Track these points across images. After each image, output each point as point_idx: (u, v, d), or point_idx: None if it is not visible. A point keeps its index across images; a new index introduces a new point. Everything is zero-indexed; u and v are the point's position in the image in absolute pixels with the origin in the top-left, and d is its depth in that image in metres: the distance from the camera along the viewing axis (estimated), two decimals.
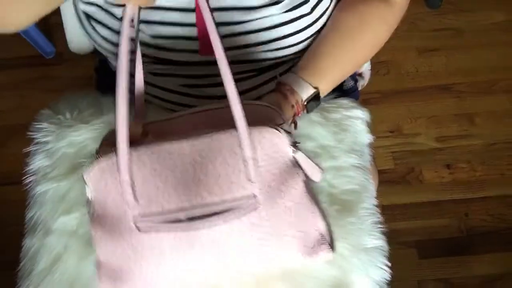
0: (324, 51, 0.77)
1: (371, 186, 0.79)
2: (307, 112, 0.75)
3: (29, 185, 0.81)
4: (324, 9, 0.78)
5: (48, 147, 0.81)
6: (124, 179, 0.62)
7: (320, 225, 0.66)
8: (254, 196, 0.63)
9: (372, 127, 0.84)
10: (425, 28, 1.69)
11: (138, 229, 0.63)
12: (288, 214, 0.65)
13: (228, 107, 0.63)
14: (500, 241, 1.40)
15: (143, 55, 0.76)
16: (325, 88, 0.76)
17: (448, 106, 1.60)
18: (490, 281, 1.35)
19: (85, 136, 0.81)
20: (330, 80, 0.77)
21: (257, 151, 0.62)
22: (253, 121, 0.63)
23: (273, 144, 0.63)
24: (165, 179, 0.63)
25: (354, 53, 0.78)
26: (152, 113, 0.82)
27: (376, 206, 0.77)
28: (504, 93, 1.61)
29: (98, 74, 1.02)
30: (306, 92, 0.74)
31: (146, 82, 0.84)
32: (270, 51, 0.77)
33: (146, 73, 0.81)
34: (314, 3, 0.76)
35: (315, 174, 0.66)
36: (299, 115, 0.74)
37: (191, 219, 0.63)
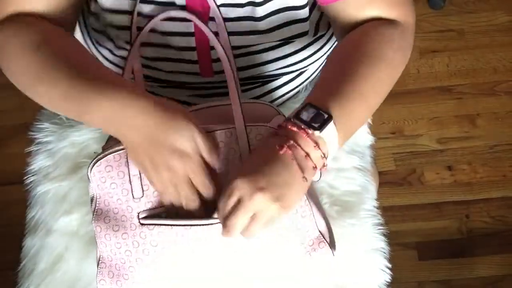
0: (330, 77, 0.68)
1: (372, 188, 0.80)
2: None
3: (30, 185, 0.81)
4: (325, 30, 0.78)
5: (49, 147, 0.81)
6: (133, 173, 0.64)
7: (319, 224, 0.67)
8: None
9: (373, 128, 0.84)
10: (427, 29, 1.68)
11: (143, 225, 0.64)
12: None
13: (228, 105, 0.64)
14: (500, 243, 1.39)
15: (146, 77, 0.77)
16: (340, 115, 0.63)
17: (449, 108, 1.59)
18: (490, 283, 1.35)
19: (86, 136, 0.81)
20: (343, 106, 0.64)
21: (255, 147, 0.64)
22: (252, 118, 0.65)
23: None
24: None
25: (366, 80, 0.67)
26: None
27: (377, 207, 0.78)
28: (506, 94, 1.60)
29: None
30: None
31: (152, 93, 0.84)
32: (274, 70, 0.78)
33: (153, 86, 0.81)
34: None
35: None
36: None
37: (194, 217, 0.64)
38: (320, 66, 0.85)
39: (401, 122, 1.58)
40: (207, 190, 0.62)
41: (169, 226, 0.64)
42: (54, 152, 0.81)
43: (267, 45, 0.75)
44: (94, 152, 0.78)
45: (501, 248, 1.39)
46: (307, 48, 0.78)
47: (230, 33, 0.71)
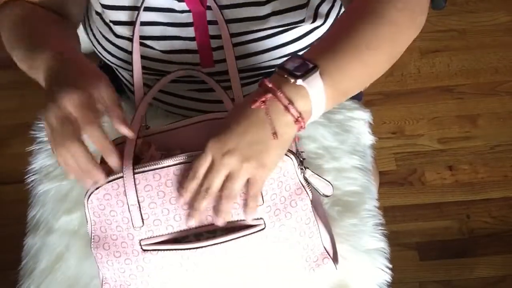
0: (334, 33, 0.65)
1: (373, 188, 0.79)
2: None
3: (31, 184, 0.81)
4: (321, 23, 0.78)
5: (50, 147, 0.81)
6: (132, 203, 0.63)
7: (324, 240, 0.67)
8: (261, 218, 0.63)
9: (374, 128, 0.84)
10: (428, 29, 1.68)
11: (146, 251, 0.63)
12: (294, 234, 0.65)
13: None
14: (502, 243, 1.39)
15: (150, 69, 0.77)
16: (329, 67, 0.60)
17: (450, 108, 1.59)
18: (491, 284, 1.35)
19: (86, 136, 0.80)
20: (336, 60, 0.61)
21: None
22: None
23: (280, 168, 0.63)
24: (175, 202, 0.63)
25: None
26: (158, 117, 0.83)
27: (378, 207, 0.77)
28: (507, 94, 1.60)
29: None
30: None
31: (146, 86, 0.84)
32: (271, 60, 0.77)
33: (154, 80, 0.81)
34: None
35: (326, 189, 0.66)
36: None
37: (198, 238, 0.63)
38: None
39: (402, 122, 1.58)
40: (99, 140, 0.59)
41: (174, 251, 0.63)
42: None
43: (264, 33, 0.75)
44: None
45: (502, 248, 1.38)
46: (306, 37, 0.78)
47: (228, 21, 0.71)
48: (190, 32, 0.74)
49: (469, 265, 1.37)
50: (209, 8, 0.72)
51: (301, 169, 0.64)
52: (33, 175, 0.81)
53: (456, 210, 1.44)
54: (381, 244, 0.74)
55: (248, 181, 0.59)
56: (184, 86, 0.80)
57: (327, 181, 0.66)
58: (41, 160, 0.81)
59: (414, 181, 1.49)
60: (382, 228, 0.75)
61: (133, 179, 0.63)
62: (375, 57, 0.63)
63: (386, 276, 0.73)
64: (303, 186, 0.64)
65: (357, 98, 0.92)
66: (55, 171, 0.80)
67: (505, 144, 1.53)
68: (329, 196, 0.66)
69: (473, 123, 1.57)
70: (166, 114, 0.84)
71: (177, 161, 0.62)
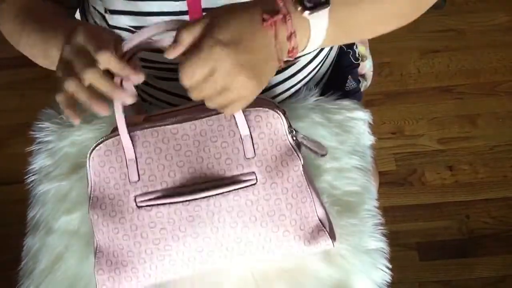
0: None
1: (373, 188, 0.79)
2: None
3: (31, 185, 0.81)
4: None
5: (50, 147, 0.81)
6: (129, 158, 0.66)
7: (318, 211, 0.68)
8: (252, 173, 0.66)
9: (374, 128, 0.84)
10: (427, 29, 1.68)
11: (140, 207, 0.66)
12: (286, 195, 0.67)
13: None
14: (501, 244, 1.39)
15: (146, 60, 0.77)
16: (339, 5, 0.59)
17: (450, 108, 1.59)
18: (491, 284, 1.35)
19: (87, 135, 0.81)
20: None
21: (254, 130, 0.66)
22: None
23: (270, 124, 0.66)
24: (170, 158, 0.66)
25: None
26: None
27: (378, 207, 0.77)
28: (506, 94, 1.60)
29: None
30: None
31: (150, 85, 0.84)
32: None
33: (150, 76, 0.81)
34: None
35: (321, 149, 0.68)
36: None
37: (191, 193, 0.65)
38: (320, 63, 0.85)
39: (401, 122, 1.58)
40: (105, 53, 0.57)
41: (167, 205, 0.65)
42: (54, 152, 0.81)
43: None
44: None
45: (502, 248, 1.39)
46: None
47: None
48: (183, 5, 0.72)
49: (469, 265, 1.37)
50: None
51: (291, 132, 0.67)
52: (33, 175, 0.81)
53: (456, 210, 1.44)
54: (381, 244, 0.74)
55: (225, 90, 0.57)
56: (178, 84, 0.80)
57: (319, 143, 0.68)
58: (41, 160, 0.81)
59: (414, 181, 1.49)
60: (382, 228, 0.75)
61: (128, 136, 0.66)
62: (388, 10, 0.63)
63: (386, 276, 0.73)
64: (293, 149, 0.67)
65: (357, 98, 0.92)
66: (54, 171, 0.80)
67: (504, 144, 1.53)
68: (325, 154, 0.68)
69: (472, 123, 1.57)
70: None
71: (174, 121, 0.67)
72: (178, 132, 0.67)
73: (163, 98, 0.84)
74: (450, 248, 1.39)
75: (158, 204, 0.65)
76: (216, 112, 0.66)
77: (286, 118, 0.68)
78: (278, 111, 0.67)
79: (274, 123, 0.67)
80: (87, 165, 0.67)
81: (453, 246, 1.40)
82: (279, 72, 0.81)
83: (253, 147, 0.66)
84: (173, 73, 0.79)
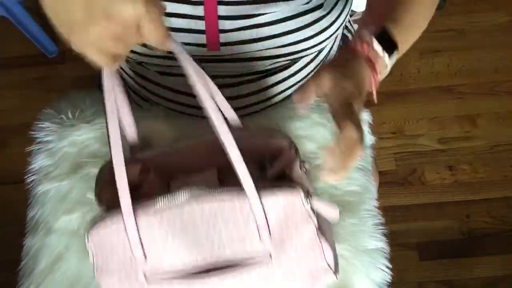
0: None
1: (373, 188, 0.79)
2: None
3: (31, 185, 0.81)
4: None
5: (50, 147, 0.81)
6: (134, 243, 0.62)
7: (328, 256, 0.65)
8: (266, 253, 0.63)
9: (374, 128, 0.84)
10: (427, 29, 1.68)
11: (149, 283, 0.63)
12: (298, 259, 0.64)
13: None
14: (501, 243, 1.39)
15: (148, 56, 0.76)
16: (401, 43, 0.72)
17: (450, 108, 1.59)
18: (491, 284, 1.35)
19: (87, 135, 0.81)
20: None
21: (269, 213, 0.61)
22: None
23: (287, 202, 0.62)
24: (178, 241, 0.62)
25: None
26: (161, 115, 0.82)
27: (377, 207, 0.77)
28: (506, 94, 1.60)
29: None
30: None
31: (153, 83, 0.84)
32: (269, 49, 0.77)
33: (155, 72, 0.80)
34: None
35: (333, 214, 0.64)
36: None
37: (204, 272, 0.63)
38: (320, 63, 0.85)
39: (401, 122, 1.58)
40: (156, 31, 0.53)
41: (179, 283, 0.62)
42: (54, 152, 0.81)
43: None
44: (94, 195, 0.73)
45: (502, 248, 1.39)
46: (309, 27, 0.76)
47: (220, 2, 0.71)
48: (200, 10, 0.72)
49: (469, 265, 1.37)
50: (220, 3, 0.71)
51: (307, 197, 0.63)
52: (32, 175, 0.81)
53: (456, 210, 1.44)
54: (381, 244, 0.74)
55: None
56: (184, 79, 0.80)
57: (331, 205, 0.64)
58: (41, 160, 0.81)
59: (414, 181, 1.49)
60: (382, 228, 0.75)
61: (134, 219, 0.61)
62: (427, 19, 0.80)
63: (386, 276, 0.73)
64: (309, 214, 0.63)
65: None
66: (54, 171, 0.80)
67: (504, 144, 1.53)
68: (337, 219, 0.65)
69: (472, 123, 1.57)
70: (166, 113, 0.84)
71: (180, 201, 0.61)
72: (184, 215, 0.61)
73: (167, 96, 0.84)
74: (450, 248, 1.39)
75: (168, 281, 0.62)
76: (228, 190, 0.62)
77: (298, 154, 0.66)
78: (296, 186, 0.62)
79: (291, 199, 0.62)
80: (87, 239, 0.63)
81: (453, 246, 1.40)
82: (280, 71, 0.81)
83: (268, 230, 0.62)
84: (177, 68, 0.79)
